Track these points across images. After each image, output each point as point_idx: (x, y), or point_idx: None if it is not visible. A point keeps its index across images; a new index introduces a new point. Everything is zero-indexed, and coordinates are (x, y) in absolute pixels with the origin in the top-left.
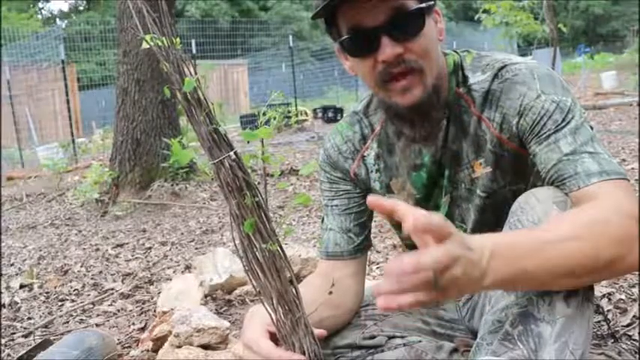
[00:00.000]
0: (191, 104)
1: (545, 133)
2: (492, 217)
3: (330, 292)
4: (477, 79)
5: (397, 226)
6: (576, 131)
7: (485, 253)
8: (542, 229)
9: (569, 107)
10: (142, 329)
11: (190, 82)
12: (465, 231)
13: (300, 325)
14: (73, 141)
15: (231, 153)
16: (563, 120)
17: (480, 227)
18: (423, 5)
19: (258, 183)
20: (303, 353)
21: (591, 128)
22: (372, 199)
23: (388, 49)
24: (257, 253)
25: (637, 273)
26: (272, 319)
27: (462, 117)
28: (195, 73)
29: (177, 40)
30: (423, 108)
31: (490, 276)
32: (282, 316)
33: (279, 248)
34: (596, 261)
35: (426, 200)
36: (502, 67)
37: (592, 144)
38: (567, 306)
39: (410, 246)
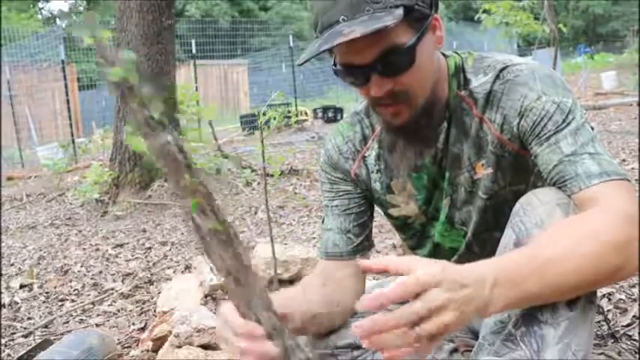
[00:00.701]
0: (124, 92)
1: (545, 134)
2: (494, 219)
3: (324, 285)
4: (479, 82)
5: (398, 226)
6: (577, 132)
7: (486, 284)
8: (542, 244)
9: (570, 108)
10: (142, 329)
11: (117, 71)
12: (465, 234)
13: (254, 298)
14: (73, 141)
15: (169, 138)
16: (564, 121)
17: (482, 229)
18: (413, 41)
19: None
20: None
21: (592, 129)
22: (363, 266)
23: (377, 87)
24: (208, 233)
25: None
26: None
27: (463, 119)
28: (195, 73)
29: (106, 33)
30: (415, 126)
31: (495, 304)
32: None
33: (227, 227)
34: (598, 274)
35: (427, 203)
36: (503, 68)
37: (593, 144)
38: (570, 309)
39: (411, 247)
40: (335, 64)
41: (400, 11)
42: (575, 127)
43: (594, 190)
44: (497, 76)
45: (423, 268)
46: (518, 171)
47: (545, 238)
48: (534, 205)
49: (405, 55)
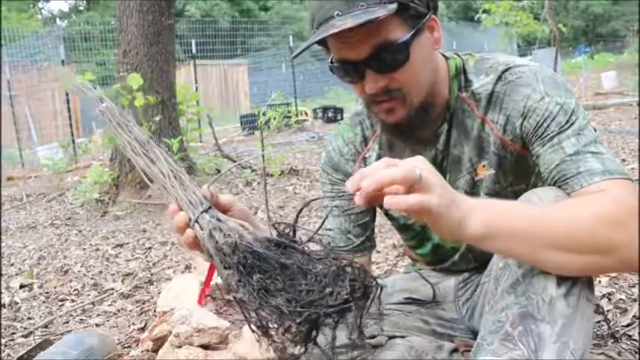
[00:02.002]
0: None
1: (548, 134)
2: None
3: None
4: (481, 83)
5: (397, 226)
6: (580, 133)
7: (469, 204)
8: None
9: (573, 109)
10: (142, 329)
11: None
12: None
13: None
14: (73, 141)
15: (104, 105)
16: (567, 122)
17: None
18: (407, 37)
19: (258, 183)
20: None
21: (594, 130)
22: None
23: (372, 83)
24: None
25: (637, 273)
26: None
27: (464, 121)
28: (195, 73)
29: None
30: (410, 125)
31: (475, 216)
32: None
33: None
34: (591, 238)
35: None
36: (506, 70)
37: (595, 145)
38: (567, 305)
39: (412, 247)
40: (332, 62)
41: (394, 6)
42: (578, 127)
43: (596, 187)
44: (500, 77)
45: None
46: (520, 171)
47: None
48: (533, 203)
49: (399, 51)
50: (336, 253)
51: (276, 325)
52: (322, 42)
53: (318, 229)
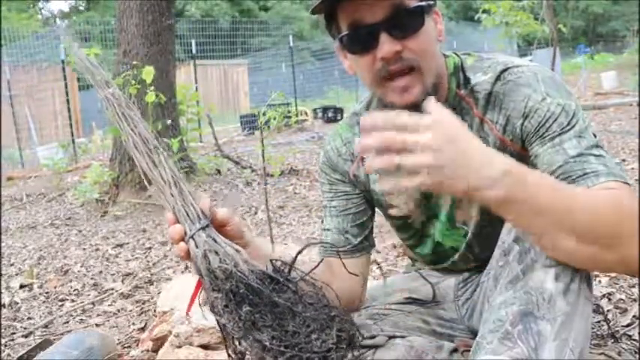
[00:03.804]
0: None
1: (549, 135)
2: (495, 218)
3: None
4: (478, 80)
5: (397, 226)
6: (581, 135)
7: (494, 167)
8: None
9: (574, 111)
10: (142, 329)
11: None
12: (466, 233)
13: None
14: (73, 141)
15: (110, 90)
16: (569, 123)
17: (482, 229)
18: (423, 3)
19: (258, 183)
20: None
21: (594, 136)
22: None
23: (387, 46)
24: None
25: (635, 274)
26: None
27: (463, 119)
28: (195, 73)
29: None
30: (421, 108)
31: (495, 190)
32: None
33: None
34: (618, 230)
35: (426, 202)
36: (504, 70)
37: (597, 149)
38: (567, 303)
39: (411, 246)
40: (340, 33)
41: None
42: (580, 130)
43: (605, 186)
44: (498, 77)
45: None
46: None
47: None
48: None
49: (415, 15)
50: (328, 300)
51: (255, 358)
52: (328, 11)
53: (312, 270)
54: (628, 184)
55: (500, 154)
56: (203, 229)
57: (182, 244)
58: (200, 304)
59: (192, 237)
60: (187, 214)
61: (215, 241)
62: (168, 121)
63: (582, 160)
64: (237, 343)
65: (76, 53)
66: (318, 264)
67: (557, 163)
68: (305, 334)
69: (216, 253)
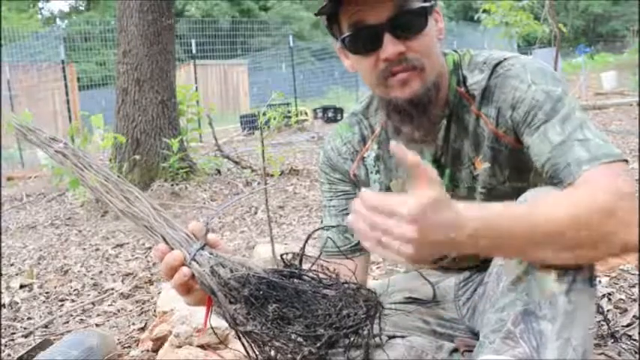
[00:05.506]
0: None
1: (536, 123)
2: None
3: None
4: (475, 79)
5: None
6: (565, 120)
7: (465, 230)
8: (534, 205)
9: (559, 96)
10: (142, 329)
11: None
12: None
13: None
14: (73, 141)
15: (60, 145)
16: (553, 109)
17: None
18: (426, 4)
19: (258, 183)
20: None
21: (583, 114)
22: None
23: (390, 47)
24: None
25: (637, 272)
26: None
27: (463, 116)
28: (195, 73)
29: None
30: (422, 102)
31: (473, 222)
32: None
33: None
34: (587, 228)
35: None
36: (497, 64)
37: (581, 131)
38: (569, 302)
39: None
40: (342, 34)
41: None
42: (564, 114)
43: (584, 177)
44: (492, 72)
45: (416, 198)
46: (516, 165)
47: (536, 202)
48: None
49: (418, 16)
50: (343, 277)
51: (292, 356)
52: (331, 12)
53: (318, 257)
54: (617, 160)
55: (468, 206)
56: (202, 248)
57: (184, 268)
58: (212, 328)
59: (193, 258)
60: (180, 240)
61: (217, 256)
62: (137, 156)
63: (564, 150)
64: (267, 347)
65: (13, 123)
66: (318, 257)
67: (545, 155)
68: (336, 313)
69: (223, 265)
